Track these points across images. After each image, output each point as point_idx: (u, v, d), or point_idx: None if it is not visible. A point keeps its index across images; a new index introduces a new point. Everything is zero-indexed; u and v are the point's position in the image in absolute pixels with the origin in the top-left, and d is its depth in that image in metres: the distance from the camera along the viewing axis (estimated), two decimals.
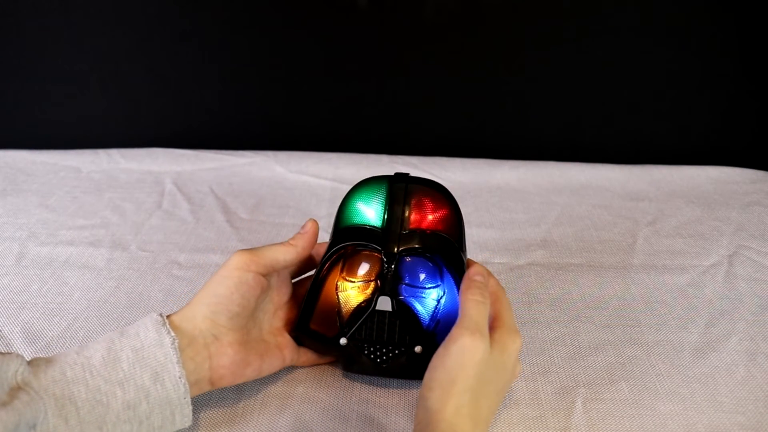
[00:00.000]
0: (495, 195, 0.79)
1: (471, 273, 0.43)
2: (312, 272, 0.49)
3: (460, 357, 0.37)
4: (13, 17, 0.80)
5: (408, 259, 0.46)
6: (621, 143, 0.89)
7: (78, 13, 0.80)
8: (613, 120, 0.87)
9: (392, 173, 0.48)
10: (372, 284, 0.46)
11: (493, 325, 0.41)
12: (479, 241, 0.69)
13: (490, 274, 0.46)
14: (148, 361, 0.37)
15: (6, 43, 0.82)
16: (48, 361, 0.36)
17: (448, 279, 0.46)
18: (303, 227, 0.47)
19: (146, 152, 0.87)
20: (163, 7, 0.80)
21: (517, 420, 0.44)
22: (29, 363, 0.36)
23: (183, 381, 0.38)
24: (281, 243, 0.45)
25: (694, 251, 0.67)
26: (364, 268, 0.47)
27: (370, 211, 0.47)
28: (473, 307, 0.40)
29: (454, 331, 0.39)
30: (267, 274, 0.44)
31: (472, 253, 0.65)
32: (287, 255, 0.45)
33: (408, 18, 0.79)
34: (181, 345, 0.39)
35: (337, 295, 0.47)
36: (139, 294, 0.58)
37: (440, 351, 0.38)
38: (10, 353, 0.35)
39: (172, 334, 0.38)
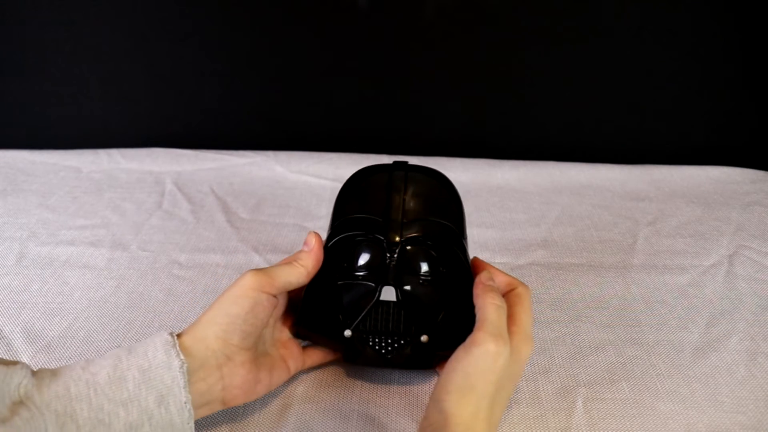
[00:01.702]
0: (495, 195, 0.79)
1: (483, 277, 0.43)
2: None
3: (483, 363, 0.36)
4: (13, 17, 0.80)
5: (410, 247, 0.45)
6: (621, 143, 0.89)
7: (78, 13, 0.80)
8: (613, 120, 0.87)
9: (391, 162, 0.48)
10: (375, 275, 0.45)
11: (509, 330, 0.40)
12: (479, 241, 0.69)
13: (508, 277, 0.46)
14: (154, 383, 0.36)
15: (6, 43, 0.82)
16: (53, 374, 0.36)
17: (451, 266, 0.46)
18: (306, 243, 0.46)
19: (146, 152, 0.87)
20: (163, 7, 0.80)
21: (518, 420, 0.44)
22: (34, 374, 0.35)
23: (188, 407, 0.37)
24: (290, 264, 0.44)
25: (694, 251, 0.67)
26: (365, 259, 0.46)
27: (371, 201, 0.46)
28: (494, 311, 0.39)
29: (477, 335, 0.38)
30: (278, 295, 0.44)
31: (472, 253, 0.65)
32: (300, 278, 0.44)
33: (408, 18, 0.79)
34: (192, 367, 0.38)
35: (340, 287, 0.46)
36: (139, 294, 0.58)
37: (460, 354, 0.37)
38: (16, 363, 0.34)
39: (182, 357, 0.37)
